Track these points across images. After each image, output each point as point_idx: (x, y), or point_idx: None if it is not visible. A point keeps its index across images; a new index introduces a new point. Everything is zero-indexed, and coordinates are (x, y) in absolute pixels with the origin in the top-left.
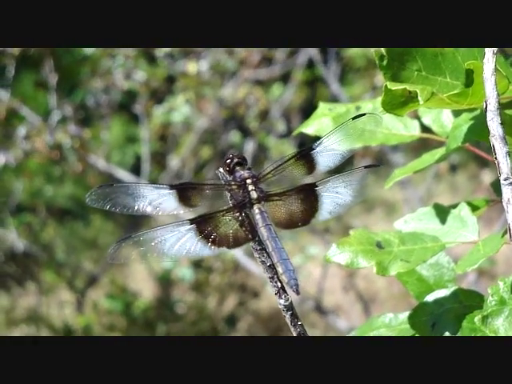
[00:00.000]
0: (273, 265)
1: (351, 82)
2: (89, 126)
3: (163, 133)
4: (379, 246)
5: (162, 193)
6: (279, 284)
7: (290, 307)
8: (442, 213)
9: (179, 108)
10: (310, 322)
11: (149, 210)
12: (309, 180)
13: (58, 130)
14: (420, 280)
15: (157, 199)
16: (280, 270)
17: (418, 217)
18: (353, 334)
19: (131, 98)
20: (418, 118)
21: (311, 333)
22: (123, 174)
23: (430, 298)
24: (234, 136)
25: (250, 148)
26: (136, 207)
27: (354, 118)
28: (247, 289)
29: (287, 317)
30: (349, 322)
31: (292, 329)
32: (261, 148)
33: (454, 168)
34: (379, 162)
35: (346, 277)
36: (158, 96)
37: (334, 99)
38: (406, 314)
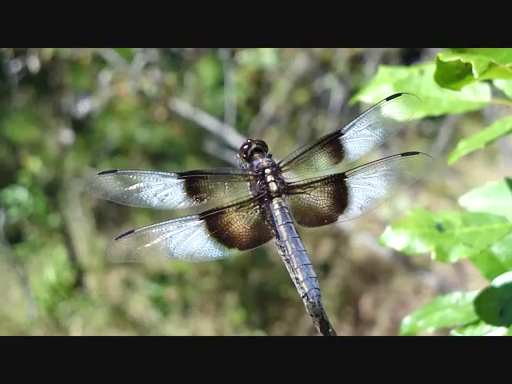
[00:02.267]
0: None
1: None
2: (175, 71)
3: (257, 78)
4: (439, 228)
5: (168, 182)
6: None
7: (319, 312)
8: None
9: (264, 55)
10: (399, 283)
11: (154, 202)
12: (337, 170)
13: (143, 75)
14: (490, 258)
15: (163, 190)
16: (300, 277)
17: (486, 192)
18: (415, 314)
19: None
20: (489, 81)
21: (400, 291)
22: (208, 121)
23: (499, 280)
24: (328, 81)
25: (340, 95)
26: (139, 198)
27: (388, 99)
28: (340, 236)
29: (316, 323)
30: (440, 280)
31: (322, 336)
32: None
33: None
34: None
35: None
36: None
37: None
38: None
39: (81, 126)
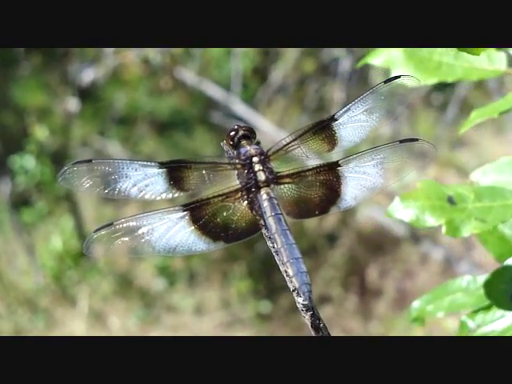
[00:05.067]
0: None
1: None
2: None
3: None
4: (451, 201)
5: (149, 172)
6: None
7: (310, 307)
8: None
9: None
10: (405, 253)
11: (133, 192)
12: (330, 158)
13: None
14: (501, 239)
15: (143, 180)
16: (290, 272)
17: (499, 168)
18: (424, 298)
19: None
20: (504, 49)
21: (406, 261)
22: (214, 91)
23: (510, 262)
24: (336, 49)
25: (348, 63)
26: (118, 189)
27: (386, 82)
28: None
29: (307, 318)
30: (446, 251)
31: (313, 332)
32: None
33: None
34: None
35: None
36: None
37: None
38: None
39: (88, 94)
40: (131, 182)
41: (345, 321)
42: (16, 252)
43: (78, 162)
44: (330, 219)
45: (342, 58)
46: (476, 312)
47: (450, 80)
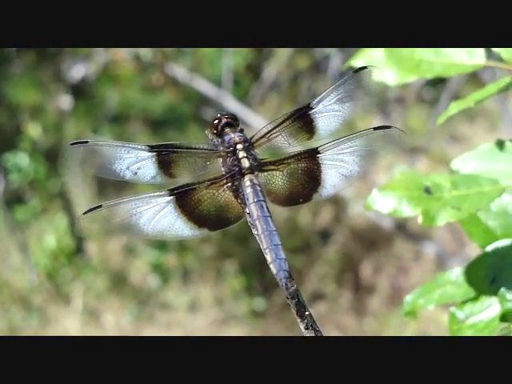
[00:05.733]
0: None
1: None
2: None
3: None
4: (428, 191)
5: (140, 156)
6: None
7: (294, 294)
8: (507, 151)
9: None
10: (399, 249)
11: (127, 175)
12: (310, 146)
13: None
14: (486, 231)
15: (135, 163)
16: (269, 258)
17: (478, 155)
18: (416, 292)
19: None
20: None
21: (400, 257)
22: (205, 87)
23: (490, 248)
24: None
25: (338, 60)
26: (112, 170)
27: (355, 72)
28: (340, 203)
29: (292, 306)
30: (439, 248)
31: (298, 320)
32: None
33: None
34: None
35: None
36: None
37: None
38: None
39: (80, 91)
40: (125, 163)
41: (339, 317)
42: (9, 250)
43: (75, 143)
44: (323, 216)
45: (333, 55)
46: (464, 303)
47: (429, 76)
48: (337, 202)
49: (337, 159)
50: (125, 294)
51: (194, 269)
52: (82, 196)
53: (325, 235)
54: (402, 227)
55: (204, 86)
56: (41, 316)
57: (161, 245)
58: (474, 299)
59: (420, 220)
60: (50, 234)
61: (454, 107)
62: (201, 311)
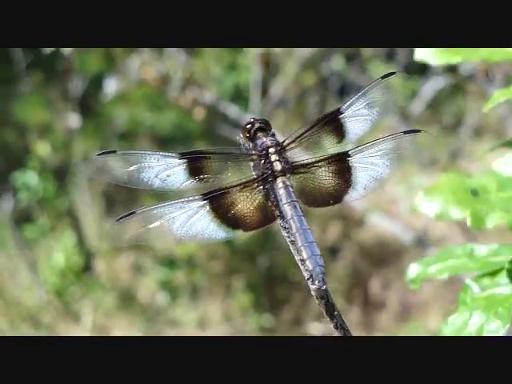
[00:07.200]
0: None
1: None
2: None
3: (265, 61)
4: (474, 193)
5: (170, 163)
6: None
7: (324, 295)
8: None
9: None
10: (408, 265)
11: (155, 183)
12: (341, 149)
13: (169, 59)
14: None
15: (164, 170)
16: (304, 254)
17: None
18: (425, 260)
19: None
20: None
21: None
22: (228, 107)
23: None
24: (336, 63)
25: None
26: (140, 179)
27: (383, 78)
28: (350, 219)
29: (321, 305)
30: None
31: (328, 319)
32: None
33: None
34: None
35: None
36: None
37: None
38: (493, 246)
39: (89, 110)
40: (153, 172)
41: None
42: (18, 268)
43: (103, 153)
44: (333, 232)
45: (342, 71)
46: (481, 277)
47: (474, 59)
48: (346, 217)
49: (367, 162)
50: (133, 311)
51: (202, 286)
52: (90, 214)
53: (334, 251)
54: (421, 241)
55: (228, 108)
56: (50, 334)
57: (169, 262)
58: (492, 274)
59: (469, 222)
60: (59, 252)
61: (500, 96)
62: (209, 328)
